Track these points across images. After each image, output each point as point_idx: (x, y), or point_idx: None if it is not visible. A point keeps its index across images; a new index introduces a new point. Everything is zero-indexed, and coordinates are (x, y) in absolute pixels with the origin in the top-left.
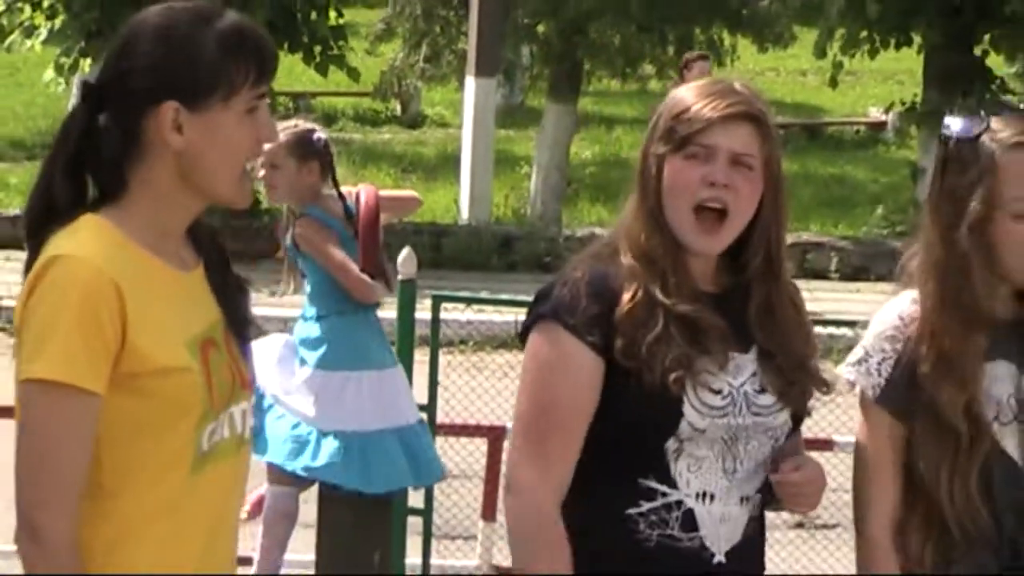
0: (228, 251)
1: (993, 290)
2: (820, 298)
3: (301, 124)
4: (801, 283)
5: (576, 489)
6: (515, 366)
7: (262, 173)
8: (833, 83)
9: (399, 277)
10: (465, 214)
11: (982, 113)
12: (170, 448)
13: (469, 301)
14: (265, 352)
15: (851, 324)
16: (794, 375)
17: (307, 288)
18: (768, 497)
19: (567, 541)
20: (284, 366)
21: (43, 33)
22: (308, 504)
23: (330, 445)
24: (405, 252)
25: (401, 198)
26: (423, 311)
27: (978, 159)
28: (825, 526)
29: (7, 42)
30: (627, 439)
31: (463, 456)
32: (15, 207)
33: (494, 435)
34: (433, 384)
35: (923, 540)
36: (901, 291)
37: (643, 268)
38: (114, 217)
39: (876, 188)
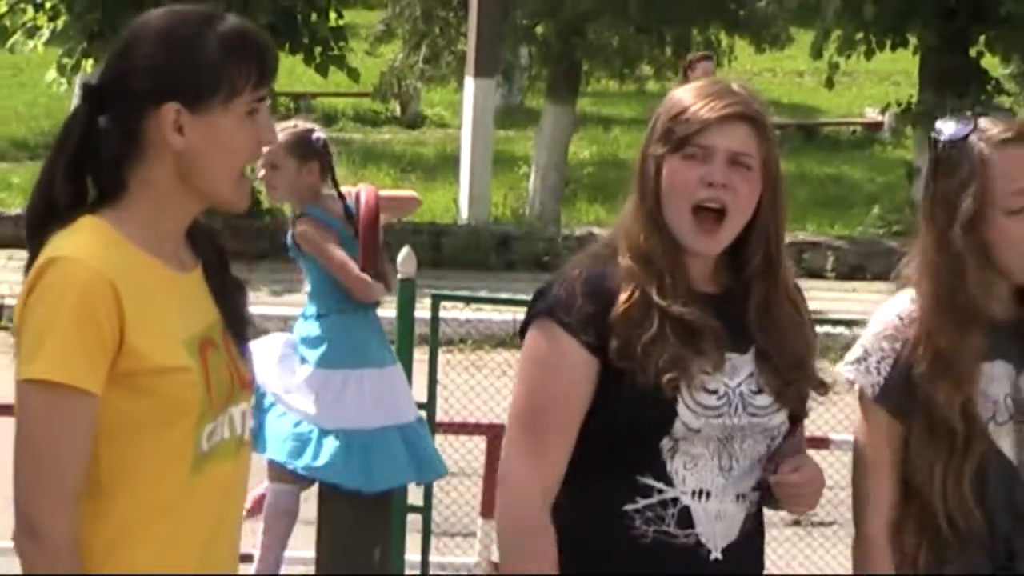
0: (227, 252)
1: (988, 289)
2: (816, 297)
3: (300, 124)
4: (797, 282)
5: (574, 484)
6: (514, 364)
7: (262, 173)
8: (829, 84)
9: (399, 276)
10: (464, 214)
11: (968, 115)
12: (169, 447)
13: (468, 300)
14: (266, 351)
15: (847, 323)
16: (791, 375)
17: (307, 287)
18: (767, 495)
19: (552, 534)
20: (285, 365)
21: (45, 34)
22: (308, 502)
23: (331, 444)
24: (405, 251)
25: (401, 198)
26: (422, 310)
27: (968, 159)
28: (821, 524)
29: (10, 43)
30: (622, 437)
31: (462, 454)
32: (17, 207)
33: (493, 433)
34: (432, 382)
35: (917, 540)
36: (899, 291)
37: (641, 269)
38: (112, 218)
39: (872, 188)
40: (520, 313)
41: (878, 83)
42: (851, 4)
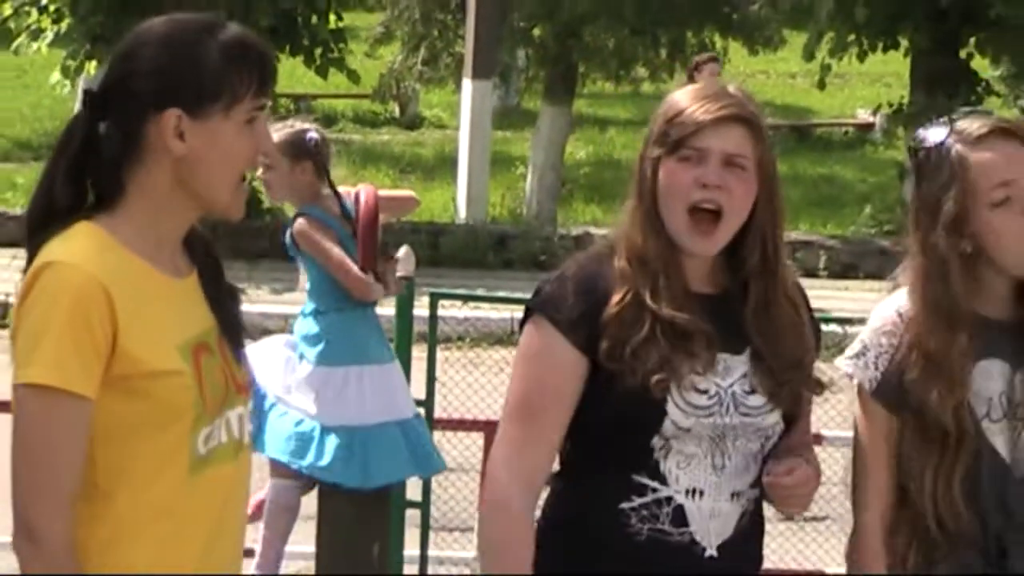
0: (222, 260)
1: (978, 290)
2: (809, 296)
3: (297, 124)
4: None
5: (571, 481)
6: (511, 362)
7: (260, 172)
8: (821, 85)
9: (398, 275)
10: (462, 213)
11: (943, 119)
12: (164, 450)
13: (466, 299)
14: (266, 353)
15: (840, 321)
16: (785, 375)
17: (307, 285)
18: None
19: (529, 532)
20: (285, 365)
21: (49, 36)
22: (308, 497)
23: (333, 443)
24: (404, 250)
25: (399, 198)
26: (421, 308)
27: (947, 162)
28: (814, 519)
29: (14, 45)
30: (613, 436)
31: (460, 450)
32: (21, 207)
33: (490, 429)
34: (431, 380)
35: (908, 540)
36: (896, 290)
37: (636, 270)
38: (109, 223)
39: (864, 188)
40: (517, 311)
41: (870, 85)
42: (843, 7)
